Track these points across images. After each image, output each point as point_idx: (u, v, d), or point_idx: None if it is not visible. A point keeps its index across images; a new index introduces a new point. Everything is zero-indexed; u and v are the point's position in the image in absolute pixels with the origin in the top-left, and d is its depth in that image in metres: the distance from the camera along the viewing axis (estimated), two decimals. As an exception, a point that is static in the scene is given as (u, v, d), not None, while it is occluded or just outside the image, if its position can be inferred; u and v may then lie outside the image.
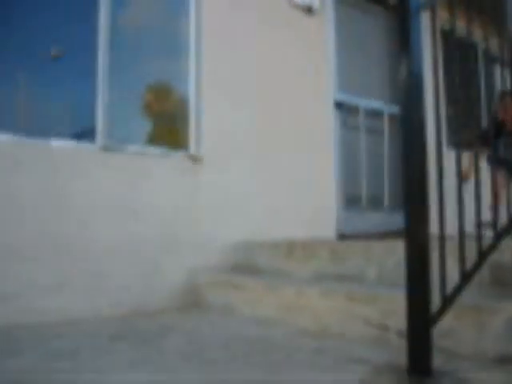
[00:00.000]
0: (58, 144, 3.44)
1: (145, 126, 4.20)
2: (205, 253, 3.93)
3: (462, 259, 1.95)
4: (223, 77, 4.24)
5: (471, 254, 1.95)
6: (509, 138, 5.02)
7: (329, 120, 4.93)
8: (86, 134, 3.68)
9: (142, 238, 3.65)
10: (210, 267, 3.92)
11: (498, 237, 1.97)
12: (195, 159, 4.02)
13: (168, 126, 4.35)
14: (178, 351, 2.43)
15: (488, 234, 1.99)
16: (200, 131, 4.10)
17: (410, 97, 2.03)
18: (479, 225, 1.98)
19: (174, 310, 3.58)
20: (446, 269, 1.94)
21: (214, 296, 3.59)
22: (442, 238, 1.97)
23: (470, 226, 2.03)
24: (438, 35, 2.30)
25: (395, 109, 5.33)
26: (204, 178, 4.04)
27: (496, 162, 5.07)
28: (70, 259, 3.35)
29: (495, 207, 2.37)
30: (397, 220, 4.74)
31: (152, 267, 3.67)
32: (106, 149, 3.61)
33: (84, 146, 3.58)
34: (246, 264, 3.97)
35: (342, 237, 4.74)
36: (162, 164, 3.85)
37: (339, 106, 5.02)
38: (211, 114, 4.15)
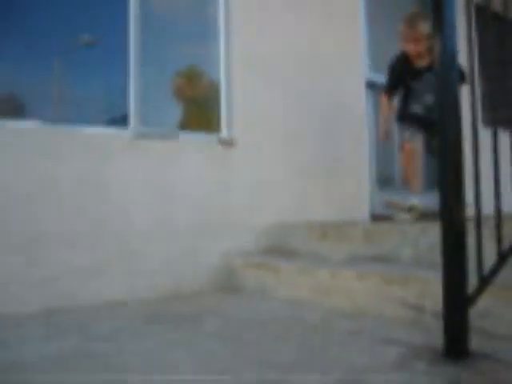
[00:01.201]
0: (92, 131, 3.49)
1: (176, 111, 4.22)
2: (238, 236, 3.96)
3: (498, 239, 1.92)
4: (254, 58, 4.22)
5: (508, 234, 1.92)
6: (421, 81, 3.87)
7: (361, 100, 4.87)
8: (118, 120, 3.73)
9: (177, 222, 3.70)
10: (244, 250, 3.95)
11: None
12: (227, 143, 4.03)
13: (199, 110, 4.36)
14: (215, 333, 2.46)
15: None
16: (231, 115, 4.10)
17: (444, 74, 1.99)
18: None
19: (209, 293, 3.63)
20: (482, 249, 1.91)
21: (248, 279, 3.62)
22: (478, 217, 1.94)
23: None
24: (473, 10, 2.24)
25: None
26: (236, 161, 4.05)
27: (409, 120, 3.95)
28: (107, 243, 3.42)
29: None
30: (431, 200, 4.69)
31: (187, 250, 3.71)
32: (138, 134, 3.65)
33: (117, 132, 3.62)
34: (279, 247, 3.99)
35: (376, 218, 4.70)
36: (194, 148, 3.87)
37: (371, 85, 4.95)
38: (242, 96, 4.14)
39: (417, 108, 3.90)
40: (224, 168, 3.98)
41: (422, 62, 3.84)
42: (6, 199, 3.13)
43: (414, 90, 3.89)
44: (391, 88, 4.02)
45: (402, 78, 3.93)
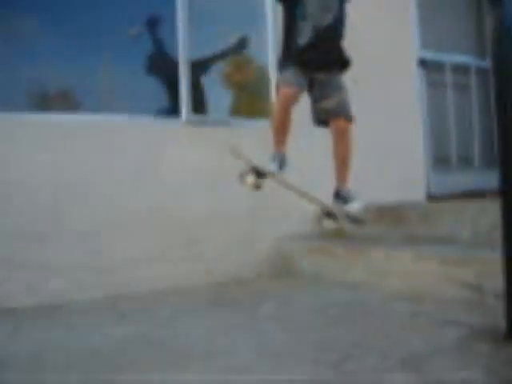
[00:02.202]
0: (146, 120, 3.56)
1: (227, 98, 4.25)
2: (293, 220, 3.96)
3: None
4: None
5: None
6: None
7: (413, 78, 4.76)
8: (171, 108, 3.79)
9: (232, 208, 3.73)
10: (299, 234, 3.95)
11: None
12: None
13: (249, 95, 4.37)
14: (273, 316, 2.49)
15: None
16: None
17: (501, 48, 1.93)
18: None
19: (265, 277, 3.66)
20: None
21: (303, 263, 3.63)
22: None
23: None
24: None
25: (484, 62, 5.07)
26: (287, 145, 4.04)
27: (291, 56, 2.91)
28: (166, 230, 3.49)
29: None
30: (489, 179, 4.56)
31: (243, 236, 3.75)
32: (190, 122, 3.69)
33: (170, 121, 3.69)
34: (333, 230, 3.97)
35: (432, 198, 4.61)
36: (245, 134, 3.89)
37: (423, 63, 4.83)
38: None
39: (306, 37, 2.85)
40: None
41: None
42: (66, 187, 3.25)
43: (303, 9, 2.86)
44: None
45: None
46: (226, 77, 4.22)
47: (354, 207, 2.90)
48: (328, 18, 2.87)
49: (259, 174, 2.92)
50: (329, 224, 2.93)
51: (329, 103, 2.94)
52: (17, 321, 2.66)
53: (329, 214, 2.96)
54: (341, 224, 2.90)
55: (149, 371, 1.74)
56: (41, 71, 3.38)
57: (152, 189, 3.49)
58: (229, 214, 3.72)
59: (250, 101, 4.34)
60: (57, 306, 2.97)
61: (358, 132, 4.30)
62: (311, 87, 2.99)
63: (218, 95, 4.18)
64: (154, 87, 3.84)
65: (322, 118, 3.03)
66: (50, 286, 3.14)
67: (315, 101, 3.02)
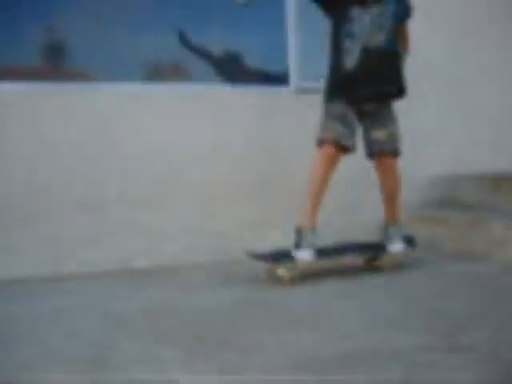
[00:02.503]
0: (255, 88, 3.60)
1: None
2: (403, 187, 3.87)
3: None
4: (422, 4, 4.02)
5: None
6: (368, 13, 2.66)
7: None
8: (279, 76, 3.80)
9: (338, 175, 3.71)
10: (409, 202, 3.84)
11: None
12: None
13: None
14: (382, 287, 2.47)
15: None
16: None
17: None
18: None
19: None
20: None
21: (415, 232, 3.55)
22: None
23: None
24: None
25: None
26: (398, 110, 3.93)
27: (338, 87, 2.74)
28: (273, 197, 3.54)
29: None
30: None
31: (349, 204, 3.71)
32: (299, 90, 3.68)
33: (279, 89, 3.70)
34: (447, 198, 3.83)
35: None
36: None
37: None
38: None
39: (353, 59, 2.64)
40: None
41: None
42: (181, 156, 3.38)
43: (352, 26, 2.65)
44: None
45: None
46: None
47: (396, 249, 2.77)
48: (379, 39, 2.64)
49: (291, 264, 2.52)
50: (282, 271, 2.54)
51: (378, 135, 2.73)
52: (135, 281, 2.85)
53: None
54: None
55: (263, 332, 1.80)
56: (155, 44, 3.51)
57: (260, 159, 3.54)
58: (336, 181, 3.70)
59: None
60: (172, 268, 3.13)
61: (472, 97, 4.10)
62: (361, 116, 2.76)
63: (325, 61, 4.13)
64: (264, 54, 3.86)
65: (375, 150, 2.78)
66: (166, 248, 3.31)
67: (365, 130, 2.80)
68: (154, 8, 3.56)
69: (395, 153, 2.76)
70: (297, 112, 3.64)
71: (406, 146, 3.87)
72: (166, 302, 2.33)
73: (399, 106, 3.11)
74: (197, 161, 3.41)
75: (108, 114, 3.29)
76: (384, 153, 2.72)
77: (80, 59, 3.42)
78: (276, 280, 2.55)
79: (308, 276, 2.70)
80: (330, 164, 2.61)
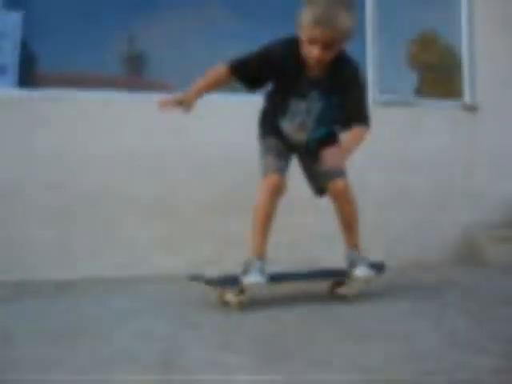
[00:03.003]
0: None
1: (411, 77, 4.11)
2: (481, 206, 3.74)
3: None
4: (501, 19, 3.90)
5: None
6: (305, 100, 2.40)
7: None
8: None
9: (414, 190, 3.64)
10: (488, 222, 3.72)
11: None
12: (470, 108, 3.81)
13: (436, 75, 4.19)
14: (456, 305, 2.39)
15: None
16: (474, 79, 3.87)
17: None
18: None
19: (448, 265, 3.51)
20: None
21: (493, 252, 3.41)
22: None
23: None
24: None
25: None
26: (479, 127, 3.81)
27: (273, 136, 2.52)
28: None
29: None
30: None
31: (425, 219, 3.63)
32: (377, 103, 3.65)
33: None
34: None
35: None
36: (432, 114, 3.74)
37: None
38: (487, 60, 3.86)
39: (287, 126, 2.49)
40: (465, 134, 3.78)
41: (314, 72, 2.34)
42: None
43: (288, 108, 2.42)
44: (243, 72, 2.39)
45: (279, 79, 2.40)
46: (412, 56, 4.09)
47: (359, 273, 2.48)
48: (301, 137, 2.49)
49: (240, 290, 2.33)
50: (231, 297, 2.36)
51: (321, 166, 2.44)
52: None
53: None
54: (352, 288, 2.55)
55: (328, 344, 1.78)
56: (231, 54, 3.58)
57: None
58: (412, 196, 3.63)
59: (436, 81, 4.16)
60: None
61: None
62: (297, 154, 2.60)
63: (405, 75, 4.07)
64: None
65: (323, 185, 2.55)
66: (232, 257, 3.34)
67: (305, 169, 2.63)
68: (230, 19, 3.64)
69: (342, 175, 2.50)
70: (373, 124, 3.60)
71: (484, 166, 3.77)
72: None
73: (479, 126, 3.02)
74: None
75: (185, 122, 3.38)
76: (331, 178, 2.48)
77: (158, 70, 3.54)
78: (225, 305, 2.37)
79: (376, 289, 2.65)
80: (274, 192, 2.40)
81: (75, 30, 3.40)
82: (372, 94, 3.67)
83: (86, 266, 3.20)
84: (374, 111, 3.61)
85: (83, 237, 3.25)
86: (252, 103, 3.50)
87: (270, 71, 2.33)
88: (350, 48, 3.74)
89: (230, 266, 3.29)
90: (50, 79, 3.46)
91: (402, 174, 3.61)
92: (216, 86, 2.42)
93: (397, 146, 3.62)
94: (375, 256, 3.47)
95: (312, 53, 2.20)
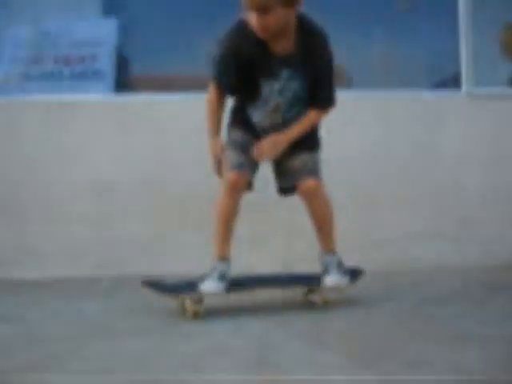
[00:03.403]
0: (425, 94, 3.52)
1: (506, 68, 3.92)
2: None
3: None
4: None
5: None
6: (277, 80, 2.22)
7: None
8: (449, 81, 3.65)
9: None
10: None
11: None
12: None
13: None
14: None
15: None
16: None
17: None
18: None
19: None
20: None
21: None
22: None
23: None
24: None
25: None
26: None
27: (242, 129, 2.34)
28: (440, 207, 3.41)
29: None
30: None
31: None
32: (471, 95, 3.51)
33: (449, 94, 3.56)
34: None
35: None
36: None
37: None
38: None
39: (259, 117, 2.31)
40: None
41: (279, 48, 2.18)
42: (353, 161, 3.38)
43: (259, 92, 2.24)
44: (227, 80, 2.26)
45: (246, 66, 2.20)
46: (506, 45, 3.89)
47: (329, 281, 2.28)
48: (276, 119, 2.29)
49: (196, 296, 2.17)
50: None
51: (293, 164, 2.29)
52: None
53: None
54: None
55: (425, 344, 1.73)
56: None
57: (428, 164, 3.43)
58: (510, 191, 3.45)
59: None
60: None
61: None
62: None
63: (498, 65, 3.88)
64: (431, 59, 3.74)
65: (287, 185, 2.37)
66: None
67: (276, 164, 2.39)
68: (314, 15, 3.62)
69: (314, 175, 2.31)
70: (466, 119, 3.48)
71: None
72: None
73: None
74: (364, 164, 3.40)
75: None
76: (303, 178, 2.29)
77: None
78: (185, 313, 2.18)
79: (471, 289, 2.53)
80: (233, 190, 2.23)
81: (166, 33, 3.51)
82: (466, 87, 3.53)
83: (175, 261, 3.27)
84: (469, 103, 3.50)
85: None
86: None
87: (242, 63, 2.18)
88: (442, 39, 3.65)
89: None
90: (143, 83, 3.59)
91: (496, 169, 3.45)
92: (222, 112, 2.31)
93: (492, 139, 3.46)
94: (473, 254, 3.33)
95: (253, 22, 2.07)
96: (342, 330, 2.00)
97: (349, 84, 3.69)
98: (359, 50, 3.57)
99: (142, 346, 1.75)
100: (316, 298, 2.35)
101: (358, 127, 3.40)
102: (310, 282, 2.39)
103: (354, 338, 1.85)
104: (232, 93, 2.32)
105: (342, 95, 3.36)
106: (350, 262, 2.44)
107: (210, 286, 2.14)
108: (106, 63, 3.55)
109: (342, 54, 3.55)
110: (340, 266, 2.34)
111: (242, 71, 2.20)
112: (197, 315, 2.12)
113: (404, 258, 3.29)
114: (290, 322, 2.08)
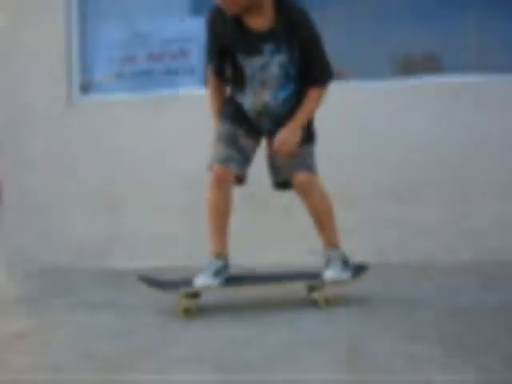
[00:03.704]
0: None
1: None
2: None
3: None
4: None
5: None
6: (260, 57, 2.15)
7: None
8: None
9: None
10: None
11: None
12: None
13: None
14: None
15: None
16: None
17: None
18: None
19: None
20: None
21: None
22: None
23: None
24: None
25: None
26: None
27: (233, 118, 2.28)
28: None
29: None
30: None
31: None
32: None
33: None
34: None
35: None
36: None
37: None
38: None
39: (249, 102, 2.26)
40: None
41: (256, 24, 2.15)
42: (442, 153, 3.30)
43: (244, 73, 2.22)
44: (217, 63, 2.28)
45: (226, 46, 2.21)
46: None
47: (329, 276, 2.20)
48: (266, 98, 2.22)
49: (192, 294, 2.15)
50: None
51: (286, 157, 2.20)
52: (386, 275, 2.86)
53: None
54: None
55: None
56: (404, 37, 3.48)
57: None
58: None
59: None
60: (424, 266, 3.08)
61: None
62: (265, 138, 2.34)
63: None
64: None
65: (282, 179, 2.30)
66: (419, 245, 3.26)
67: (269, 157, 2.33)
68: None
69: (307, 168, 2.24)
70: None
71: None
72: (422, 300, 2.31)
73: None
74: (455, 157, 3.31)
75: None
76: (296, 171, 2.23)
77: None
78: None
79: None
80: (219, 185, 2.19)
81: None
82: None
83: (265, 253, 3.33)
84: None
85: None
86: (425, 86, 3.37)
87: (222, 44, 2.20)
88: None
89: (411, 255, 3.23)
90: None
91: None
92: (223, 96, 2.36)
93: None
94: None
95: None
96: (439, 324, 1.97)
97: (442, 70, 3.55)
98: (450, 35, 3.46)
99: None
100: (316, 295, 2.23)
101: (449, 116, 3.30)
102: (310, 278, 2.31)
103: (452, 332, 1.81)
104: (222, 75, 2.30)
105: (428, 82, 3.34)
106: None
107: (202, 281, 2.12)
108: (196, 59, 3.68)
109: (433, 40, 3.48)
110: (343, 260, 2.30)
111: (225, 52, 2.21)
112: (188, 312, 2.09)
113: (501, 249, 3.17)
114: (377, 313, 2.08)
